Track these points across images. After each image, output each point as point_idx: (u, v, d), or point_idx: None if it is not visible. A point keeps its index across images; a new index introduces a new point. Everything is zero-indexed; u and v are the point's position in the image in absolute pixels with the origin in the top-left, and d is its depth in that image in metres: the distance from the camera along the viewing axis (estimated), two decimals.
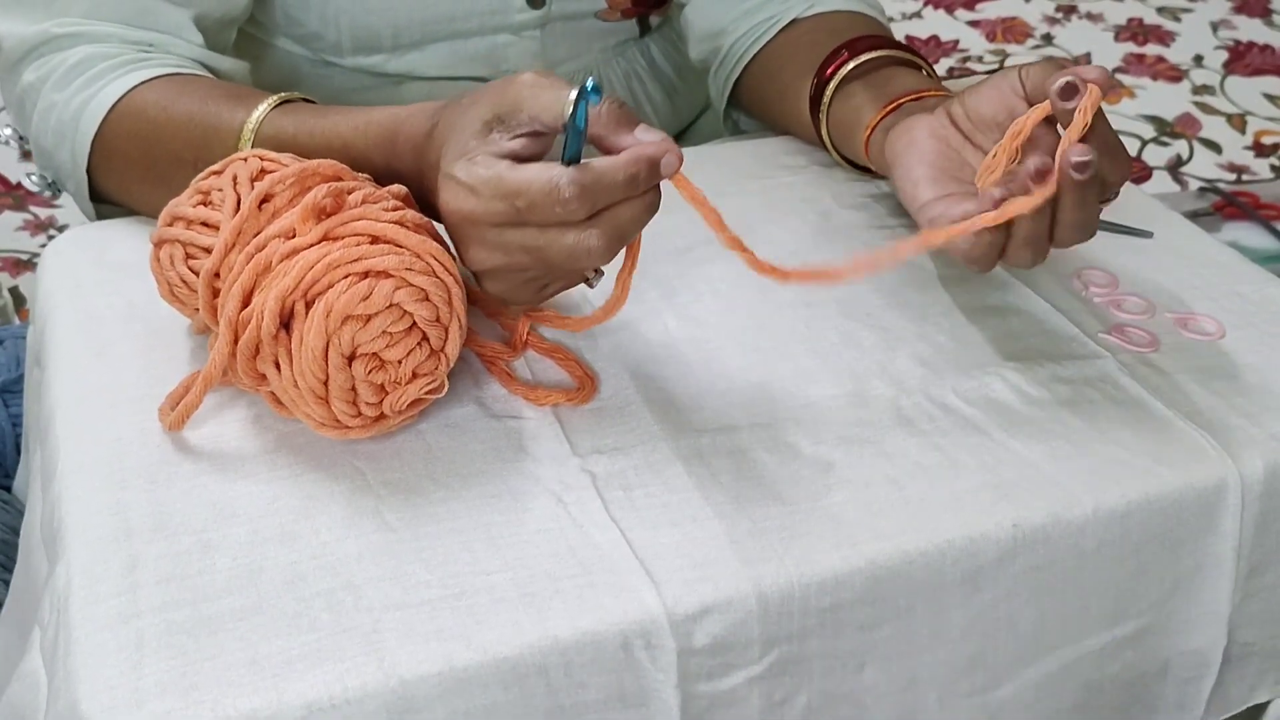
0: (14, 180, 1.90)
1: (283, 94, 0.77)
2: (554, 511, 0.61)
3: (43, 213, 1.84)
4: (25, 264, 1.75)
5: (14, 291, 1.69)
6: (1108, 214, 0.86)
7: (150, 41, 0.82)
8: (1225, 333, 0.75)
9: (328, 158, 0.67)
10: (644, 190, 0.60)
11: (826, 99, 0.83)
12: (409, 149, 0.68)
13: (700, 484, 0.62)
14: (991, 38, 2.42)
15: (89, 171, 0.81)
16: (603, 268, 0.65)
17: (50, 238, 1.74)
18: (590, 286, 0.67)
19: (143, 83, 0.79)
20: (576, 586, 0.57)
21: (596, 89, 0.59)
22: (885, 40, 0.84)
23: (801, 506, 0.61)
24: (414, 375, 0.62)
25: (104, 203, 0.85)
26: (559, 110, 0.60)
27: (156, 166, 0.78)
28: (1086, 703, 0.68)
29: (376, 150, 0.70)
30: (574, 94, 0.59)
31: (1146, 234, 0.84)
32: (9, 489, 1.04)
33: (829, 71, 0.83)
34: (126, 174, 0.81)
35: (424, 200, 0.67)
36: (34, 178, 0.86)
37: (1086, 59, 2.33)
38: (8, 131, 0.96)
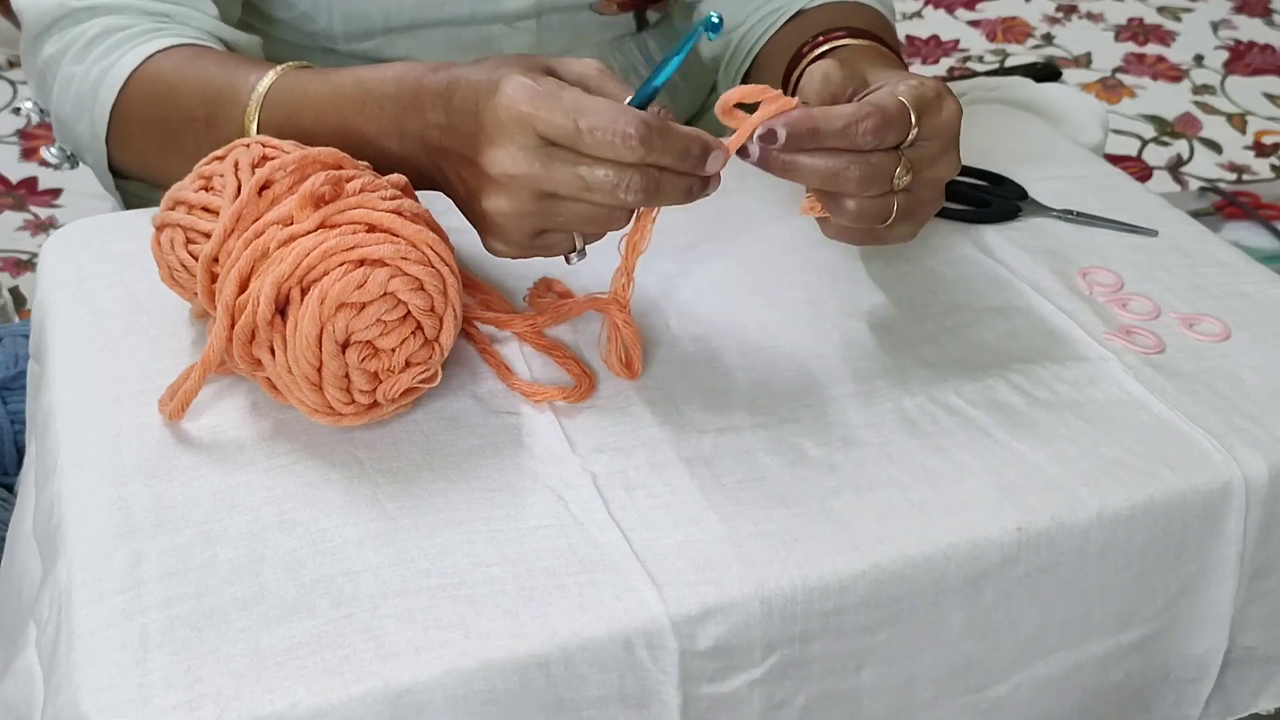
0: (14, 180, 1.90)
1: (294, 62, 0.77)
2: (554, 509, 0.60)
3: (43, 213, 1.84)
4: (25, 264, 1.75)
5: (14, 291, 1.69)
6: (1113, 213, 0.86)
7: (166, 13, 0.83)
8: (1230, 334, 0.75)
9: (339, 100, 0.68)
10: (689, 170, 0.60)
11: (791, 86, 0.84)
12: (441, 78, 0.66)
13: (702, 485, 0.62)
14: (992, 37, 2.42)
15: (107, 142, 0.82)
16: (585, 248, 0.65)
17: None
18: (569, 263, 0.66)
19: (159, 51, 0.80)
20: (577, 584, 0.56)
21: (715, 25, 0.60)
22: (858, 30, 0.83)
23: (805, 509, 0.61)
24: (407, 364, 0.62)
25: (121, 177, 0.85)
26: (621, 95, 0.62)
27: (169, 126, 0.79)
28: (1086, 707, 0.67)
29: (393, 84, 0.68)
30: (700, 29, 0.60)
31: (1151, 233, 0.84)
32: (9, 487, 1.04)
33: (795, 60, 0.84)
34: (142, 139, 0.81)
35: (452, 135, 0.64)
36: (53, 151, 0.87)
37: (1087, 59, 2.33)
38: (29, 105, 0.97)
